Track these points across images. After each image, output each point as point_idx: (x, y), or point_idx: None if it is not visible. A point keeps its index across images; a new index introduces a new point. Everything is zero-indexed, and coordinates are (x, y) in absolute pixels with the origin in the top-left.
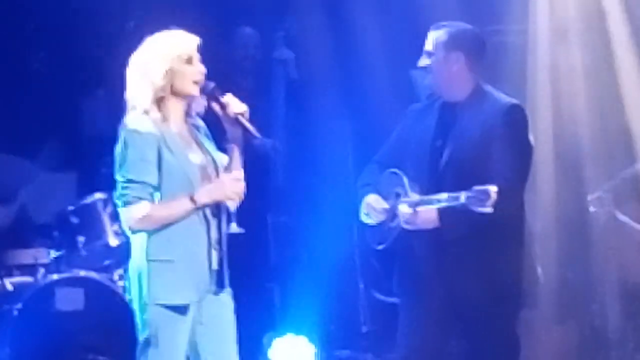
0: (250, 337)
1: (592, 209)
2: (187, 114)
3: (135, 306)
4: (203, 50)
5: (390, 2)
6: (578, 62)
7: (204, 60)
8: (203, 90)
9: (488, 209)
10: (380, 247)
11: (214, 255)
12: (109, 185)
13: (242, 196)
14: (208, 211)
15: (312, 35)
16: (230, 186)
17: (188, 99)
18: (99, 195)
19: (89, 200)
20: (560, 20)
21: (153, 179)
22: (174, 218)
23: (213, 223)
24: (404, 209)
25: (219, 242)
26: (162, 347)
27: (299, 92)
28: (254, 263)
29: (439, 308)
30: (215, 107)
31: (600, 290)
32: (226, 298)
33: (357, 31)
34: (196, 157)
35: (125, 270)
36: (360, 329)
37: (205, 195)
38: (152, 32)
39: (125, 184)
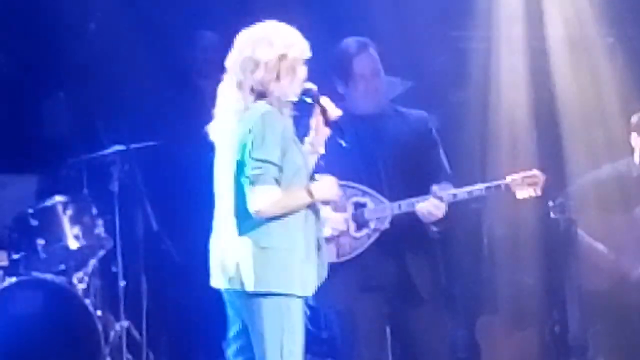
0: (210, 340)
1: (552, 215)
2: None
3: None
4: (165, 53)
5: (349, 10)
6: (537, 67)
7: (163, 64)
8: (305, 93)
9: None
10: (342, 260)
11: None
12: (70, 187)
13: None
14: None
15: None
16: (335, 189)
17: (286, 97)
18: (59, 198)
19: (49, 202)
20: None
21: (281, 162)
22: (295, 209)
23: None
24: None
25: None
26: (295, 335)
27: None
28: None
29: (394, 314)
30: (317, 110)
31: (561, 297)
32: None
33: (317, 32)
34: (303, 152)
35: (86, 274)
36: (320, 334)
37: (321, 191)
38: (115, 34)
39: (262, 164)
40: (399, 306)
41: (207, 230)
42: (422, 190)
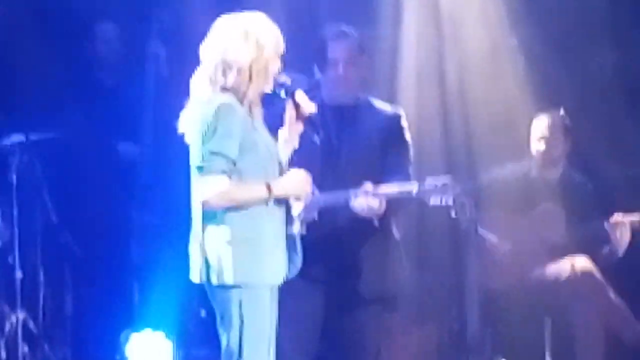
0: (108, 333)
1: (453, 214)
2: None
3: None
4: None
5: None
6: (442, 68)
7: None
8: (278, 86)
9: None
10: None
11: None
12: None
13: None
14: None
15: (185, 31)
16: (304, 184)
17: (260, 91)
18: None
19: None
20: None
21: (234, 154)
22: (248, 202)
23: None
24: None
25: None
26: (253, 328)
27: (169, 90)
28: (114, 258)
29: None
30: (290, 105)
31: (460, 295)
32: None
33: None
34: (271, 145)
35: None
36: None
37: (281, 187)
38: (14, 24)
39: (211, 156)
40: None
41: (105, 222)
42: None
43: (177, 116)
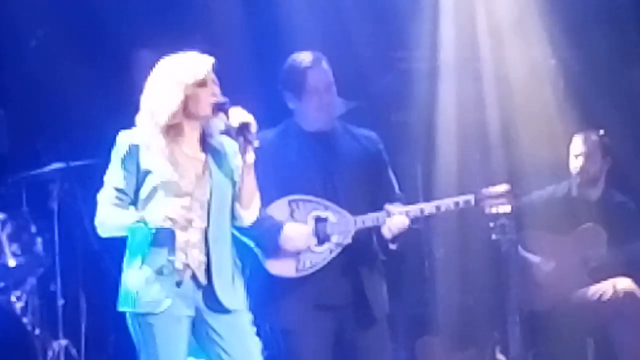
0: None
1: (494, 236)
2: (206, 133)
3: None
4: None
5: (302, 26)
6: (481, 88)
7: (104, 81)
8: (215, 107)
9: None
10: (301, 275)
11: (189, 270)
12: (9, 205)
13: (186, 225)
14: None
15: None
16: (171, 211)
17: (201, 119)
18: None
19: None
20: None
21: (125, 185)
22: (128, 227)
23: (188, 236)
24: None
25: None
26: (149, 356)
27: None
28: None
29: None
30: (222, 117)
31: (502, 318)
32: (236, 317)
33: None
34: (184, 178)
35: (24, 292)
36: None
37: (150, 216)
38: (56, 52)
39: (104, 185)
40: (349, 325)
41: None
42: (376, 206)
43: None
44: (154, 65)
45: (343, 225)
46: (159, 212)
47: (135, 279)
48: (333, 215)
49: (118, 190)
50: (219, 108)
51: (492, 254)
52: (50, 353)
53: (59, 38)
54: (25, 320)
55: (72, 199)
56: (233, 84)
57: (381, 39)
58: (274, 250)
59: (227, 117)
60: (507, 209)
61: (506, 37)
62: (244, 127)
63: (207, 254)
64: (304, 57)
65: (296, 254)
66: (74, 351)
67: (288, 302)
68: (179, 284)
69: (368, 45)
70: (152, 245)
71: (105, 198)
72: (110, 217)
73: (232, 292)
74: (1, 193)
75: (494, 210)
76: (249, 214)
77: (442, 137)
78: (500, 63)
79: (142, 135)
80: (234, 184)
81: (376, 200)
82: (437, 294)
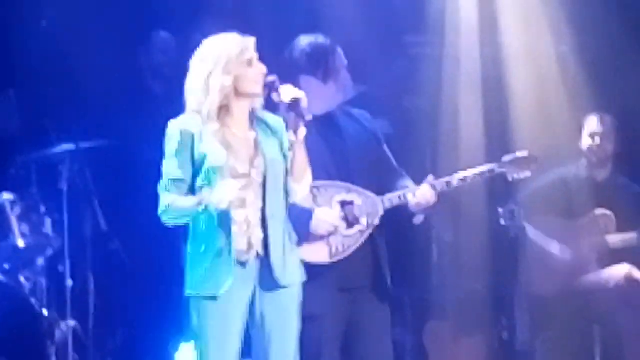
0: (157, 342)
1: (502, 221)
2: (253, 111)
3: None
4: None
5: (311, 12)
6: (490, 74)
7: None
8: (266, 85)
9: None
10: (336, 259)
11: (253, 250)
12: (18, 186)
13: (240, 204)
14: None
15: None
16: (224, 191)
17: (252, 98)
18: (7, 196)
19: None
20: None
21: (182, 173)
22: (188, 211)
23: (248, 222)
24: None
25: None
26: (204, 340)
27: None
28: (164, 266)
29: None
30: (274, 96)
31: (510, 303)
32: (285, 297)
33: (273, 35)
34: (235, 159)
35: (32, 273)
36: None
37: (206, 197)
38: (67, 32)
39: (163, 175)
40: (365, 306)
41: (155, 231)
42: (382, 184)
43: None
44: (166, 47)
45: (370, 207)
46: (217, 194)
47: (198, 263)
48: (358, 197)
49: (175, 179)
50: (270, 86)
51: (501, 240)
52: (58, 334)
53: (70, 18)
54: (33, 301)
55: (82, 181)
56: None
57: (391, 23)
58: (305, 237)
59: (278, 95)
60: (527, 174)
61: (516, 22)
62: (295, 103)
63: (265, 232)
64: (322, 40)
65: (327, 240)
66: (82, 332)
67: (314, 286)
68: (243, 265)
69: (378, 30)
70: (213, 229)
71: (164, 188)
72: (171, 206)
73: (287, 268)
74: (11, 174)
75: (515, 176)
76: (302, 188)
77: (452, 122)
78: (510, 48)
79: (193, 120)
80: (285, 159)
81: (381, 178)
82: (445, 279)
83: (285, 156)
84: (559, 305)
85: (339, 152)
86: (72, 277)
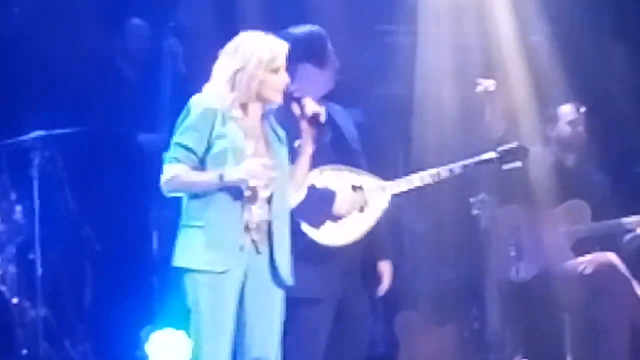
0: (128, 329)
1: (475, 211)
2: (264, 115)
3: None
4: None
5: (273, 2)
6: (463, 62)
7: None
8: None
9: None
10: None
11: (251, 234)
12: None
13: (268, 183)
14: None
15: (203, 28)
16: (255, 168)
17: (269, 103)
18: None
19: None
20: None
21: (196, 146)
22: (199, 186)
23: (252, 204)
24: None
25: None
26: (201, 314)
27: (187, 86)
28: (135, 254)
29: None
30: (295, 107)
31: (481, 294)
32: (273, 283)
33: (248, 22)
34: (251, 149)
35: (3, 260)
36: None
37: (232, 172)
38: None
39: (173, 146)
40: (354, 291)
41: (126, 218)
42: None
43: None
44: (139, 34)
45: (380, 191)
46: (241, 168)
47: (198, 238)
48: (367, 181)
49: (189, 150)
50: (291, 97)
51: (472, 229)
52: (28, 321)
53: (42, 5)
54: (3, 288)
55: (53, 167)
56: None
57: (363, 11)
58: (325, 218)
59: (300, 107)
60: (518, 164)
61: (489, 10)
62: (315, 117)
63: (269, 230)
64: (316, 28)
65: (342, 222)
66: (52, 320)
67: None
68: (241, 248)
69: (350, 19)
70: (220, 204)
71: (175, 159)
72: (179, 177)
73: (288, 265)
74: None
75: (507, 166)
76: (296, 197)
77: (424, 111)
78: (482, 37)
79: (217, 100)
80: (287, 165)
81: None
82: (416, 268)
83: (288, 163)
84: (532, 293)
85: (335, 138)
86: (43, 265)
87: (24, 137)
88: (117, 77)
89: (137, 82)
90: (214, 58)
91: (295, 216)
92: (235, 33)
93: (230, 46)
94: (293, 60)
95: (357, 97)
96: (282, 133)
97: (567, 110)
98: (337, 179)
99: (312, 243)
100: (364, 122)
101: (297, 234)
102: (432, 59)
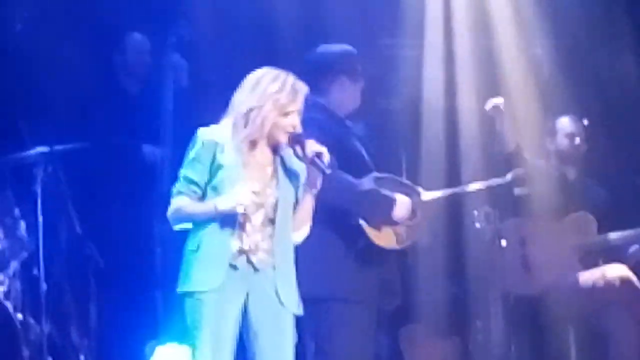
0: (133, 345)
1: (477, 224)
2: (277, 149)
3: None
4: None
5: (288, 15)
6: (466, 76)
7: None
8: (292, 138)
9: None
10: (400, 247)
11: (247, 255)
12: None
13: (246, 208)
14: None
15: (205, 42)
16: (242, 194)
17: (276, 143)
18: None
19: None
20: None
21: (199, 177)
22: (199, 217)
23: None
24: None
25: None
26: (199, 334)
27: (189, 100)
28: (139, 270)
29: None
30: (297, 149)
31: (485, 306)
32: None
33: (251, 38)
34: (252, 180)
35: (6, 276)
36: None
37: (222, 201)
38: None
39: (179, 179)
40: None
41: (130, 233)
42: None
43: (201, 127)
44: (140, 49)
45: (422, 201)
46: (233, 198)
47: (191, 262)
48: (412, 192)
49: (191, 181)
50: (296, 139)
51: (476, 242)
52: (32, 338)
53: (44, 20)
54: (8, 304)
55: (56, 183)
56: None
57: (366, 25)
58: (383, 221)
59: (302, 148)
60: (526, 191)
61: (491, 24)
62: (317, 157)
63: (272, 254)
64: (345, 46)
65: (396, 227)
66: (56, 336)
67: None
68: (234, 267)
69: (353, 32)
70: (211, 230)
71: (178, 192)
72: (182, 209)
73: (291, 291)
74: None
75: (519, 192)
76: (297, 236)
77: (427, 124)
78: (485, 50)
79: (221, 132)
80: (296, 200)
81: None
82: (420, 281)
83: (297, 198)
84: (539, 306)
85: (365, 149)
86: (47, 281)
87: (27, 153)
88: (119, 92)
89: (139, 97)
90: (217, 72)
91: (357, 215)
92: (237, 49)
93: (251, 80)
94: (330, 74)
95: (360, 110)
96: (298, 167)
97: (565, 123)
98: (388, 186)
99: (370, 245)
100: (368, 135)
101: (355, 234)
102: (434, 73)
